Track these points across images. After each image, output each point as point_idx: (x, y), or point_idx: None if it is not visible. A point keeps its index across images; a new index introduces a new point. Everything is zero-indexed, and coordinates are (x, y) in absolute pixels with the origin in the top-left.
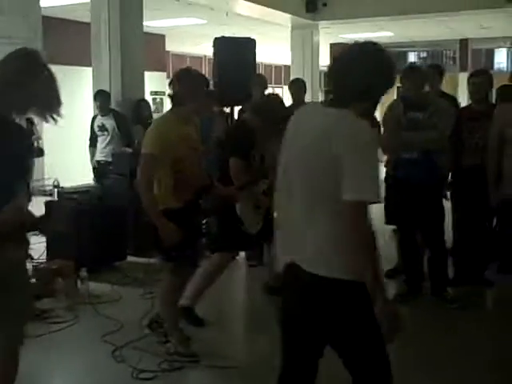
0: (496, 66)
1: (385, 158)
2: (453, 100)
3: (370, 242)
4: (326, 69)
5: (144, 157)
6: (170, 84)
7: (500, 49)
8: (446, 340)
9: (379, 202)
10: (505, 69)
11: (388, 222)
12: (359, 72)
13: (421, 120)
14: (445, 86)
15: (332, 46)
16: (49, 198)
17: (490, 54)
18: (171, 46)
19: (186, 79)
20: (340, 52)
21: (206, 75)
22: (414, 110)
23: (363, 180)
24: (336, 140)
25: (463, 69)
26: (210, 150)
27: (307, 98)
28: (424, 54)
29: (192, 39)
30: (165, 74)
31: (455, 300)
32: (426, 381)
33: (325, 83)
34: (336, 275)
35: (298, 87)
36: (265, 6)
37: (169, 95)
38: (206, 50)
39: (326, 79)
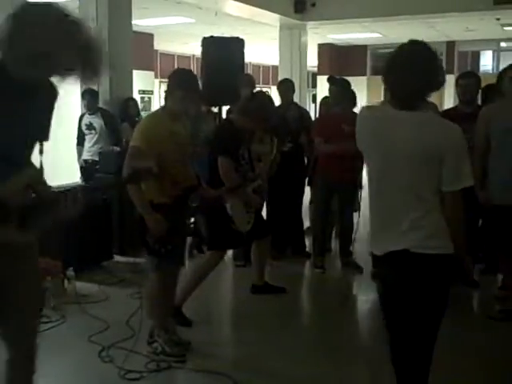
0: (482, 68)
1: None
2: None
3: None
4: (314, 69)
5: (131, 149)
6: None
7: (485, 51)
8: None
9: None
10: (490, 71)
11: None
12: (423, 71)
13: None
14: None
15: (320, 46)
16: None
17: (476, 57)
18: (159, 45)
19: (173, 77)
20: (395, 52)
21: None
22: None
23: (463, 172)
24: (440, 145)
25: (449, 71)
26: (199, 150)
27: (295, 98)
28: None
29: (180, 38)
30: (153, 73)
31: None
32: None
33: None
34: (448, 251)
35: (286, 87)
36: (253, 5)
37: (164, 91)
38: (195, 49)
39: (384, 79)
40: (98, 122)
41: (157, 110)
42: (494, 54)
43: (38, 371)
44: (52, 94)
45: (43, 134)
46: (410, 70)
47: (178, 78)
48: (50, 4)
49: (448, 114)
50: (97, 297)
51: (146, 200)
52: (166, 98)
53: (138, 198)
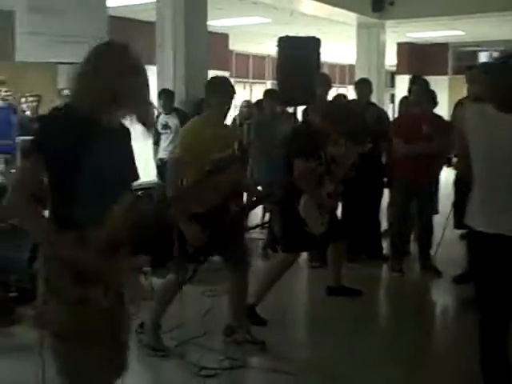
0: None
1: (455, 160)
2: None
3: None
4: (392, 68)
5: (171, 160)
6: (205, 88)
7: None
8: None
9: None
10: None
11: (457, 226)
12: None
13: None
14: None
15: (399, 44)
16: None
17: None
18: (234, 45)
19: (211, 85)
20: (500, 57)
21: (270, 75)
22: None
23: None
24: None
25: None
26: (274, 151)
27: (373, 98)
28: (496, 54)
29: (255, 38)
30: (228, 73)
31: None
32: None
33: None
34: None
35: (363, 87)
36: (330, 4)
37: (202, 100)
38: (270, 49)
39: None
40: (173, 121)
41: (196, 119)
42: None
43: None
44: (126, 133)
45: (132, 174)
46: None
47: (218, 86)
48: (120, 46)
49: None
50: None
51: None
52: (206, 105)
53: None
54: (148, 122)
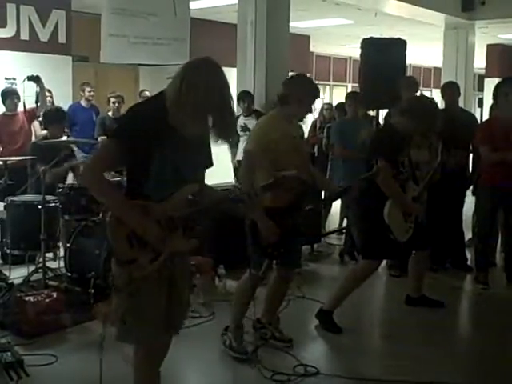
0: None
1: None
2: None
3: None
4: (480, 71)
5: (244, 154)
6: (282, 84)
7: None
8: None
9: None
10: None
11: None
12: None
13: None
14: None
15: (489, 46)
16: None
17: None
18: (315, 47)
19: (296, 82)
20: None
21: (351, 77)
22: None
23: None
24: None
25: None
26: (355, 156)
27: (460, 102)
28: None
29: (337, 40)
30: (308, 75)
31: None
32: None
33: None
34: None
35: (451, 91)
36: (416, 5)
37: (277, 95)
38: (351, 51)
39: None
40: (252, 123)
41: (272, 113)
42: None
43: (185, 365)
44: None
45: (210, 162)
46: None
47: (308, 85)
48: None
49: None
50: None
51: (261, 206)
52: (282, 101)
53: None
54: (229, 137)
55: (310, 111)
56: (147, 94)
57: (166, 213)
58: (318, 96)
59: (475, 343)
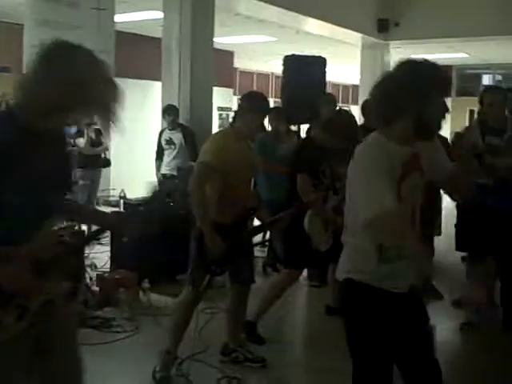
0: None
1: None
2: None
3: None
4: None
5: (199, 165)
6: (238, 99)
7: None
8: None
9: None
10: None
11: (458, 248)
12: None
13: (500, 145)
14: None
15: None
16: (115, 209)
17: None
18: (239, 63)
19: (250, 99)
20: None
21: (274, 92)
22: (493, 135)
23: None
24: None
25: None
26: (277, 170)
27: None
28: (499, 77)
29: (260, 56)
30: (232, 90)
31: None
32: None
33: None
34: None
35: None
36: (335, 24)
37: (234, 112)
38: (274, 67)
39: None
40: (177, 137)
41: (226, 130)
42: None
43: (108, 381)
44: (63, 143)
45: (66, 184)
46: None
47: (254, 101)
48: (76, 51)
49: None
50: (171, 309)
51: (210, 219)
52: (235, 118)
53: (202, 216)
54: (106, 130)
55: (262, 127)
56: None
57: (32, 255)
58: (266, 112)
59: None
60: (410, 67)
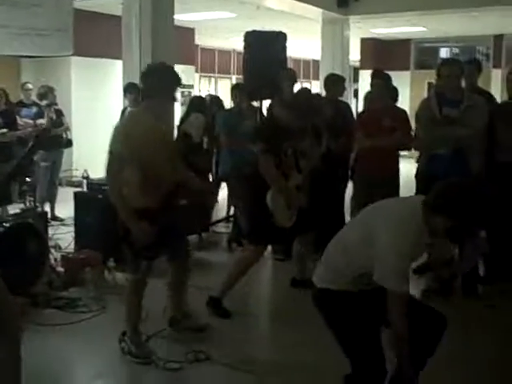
0: None
1: (417, 153)
2: (490, 97)
3: None
4: (356, 64)
5: (110, 155)
6: (141, 76)
7: None
8: (475, 338)
9: None
10: None
11: None
12: None
13: (456, 116)
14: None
15: (363, 40)
16: (77, 189)
17: None
18: (200, 40)
19: (160, 73)
20: None
21: (235, 69)
22: (449, 106)
23: None
24: None
25: (496, 65)
26: (240, 145)
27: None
28: (456, 50)
29: (221, 33)
30: (193, 67)
31: (487, 297)
32: (450, 378)
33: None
34: None
35: (334, 82)
36: (296, 0)
37: (140, 88)
38: (235, 43)
39: None
40: None
41: (139, 110)
42: None
43: (76, 360)
44: None
45: None
46: None
47: (169, 74)
48: None
49: (499, 108)
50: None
51: (131, 207)
52: (145, 95)
53: (121, 206)
54: None
55: (176, 101)
56: (29, 86)
57: None
58: (180, 84)
59: None
60: None
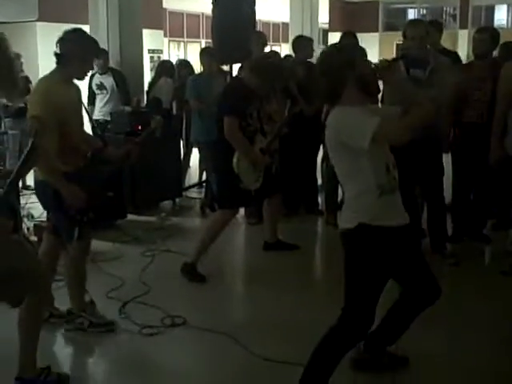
0: (496, 22)
1: None
2: (455, 56)
3: None
4: (325, 26)
5: (32, 120)
6: (57, 43)
7: (500, 5)
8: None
9: None
10: (505, 26)
11: None
12: None
13: (422, 77)
14: (444, 43)
15: (331, 2)
16: None
17: (491, 11)
18: (168, 4)
19: (75, 39)
20: None
21: (205, 33)
22: (416, 68)
23: None
24: None
25: (463, 26)
26: (210, 110)
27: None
28: (424, 11)
29: None
30: (162, 31)
31: (453, 256)
32: (416, 337)
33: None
34: None
35: (302, 44)
36: None
37: (55, 54)
38: (204, 6)
39: None
40: (109, 81)
41: (49, 74)
42: (509, 8)
43: (58, 328)
44: None
45: None
46: None
47: (88, 41)
48: None
49: (464, 68)
50: (111, 255)
51: (59, 171)
52: (61, 61)
53: (49, 170)
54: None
55: (92, 69)
56: None
57: None
58: (98, 52)
59: (329, 282)
60: None
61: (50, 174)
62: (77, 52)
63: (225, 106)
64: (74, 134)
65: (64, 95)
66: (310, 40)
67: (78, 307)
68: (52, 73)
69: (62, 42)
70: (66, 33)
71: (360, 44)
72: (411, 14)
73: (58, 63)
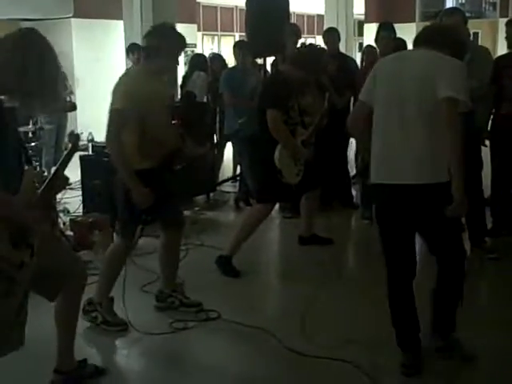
0: None
1: None
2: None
3: None
4: (360, 17)
5: (111, 113)
6: (144, 37)
7: None
8: (482, 290)
9: None
10: None
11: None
12: None
13: None
14: (484, 32)
15: None
16: (83, 153)
17: None
18: None
19: (166, 34)
20: None
21: (238, 26)
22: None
23: None
24: None
25: (503, 15)
26: (244, 104)
27: (341, 47)
28: (462, 0)
29: None
30: (195, 25)
31: (493, 250)
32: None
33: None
34: None
35: (332, 37)
36: None
37: (142, 48)
38: (237, 0)
39: None
40: None
41: (136, 68)
42: None
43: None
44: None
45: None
46: None
47: (177, 36)
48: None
49: (501, 59)
50: (145, 249)
51: (132, 169)
52: (150, 54)
53: (124, 168)
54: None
55: (178, 64)
56: None
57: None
58: (184, 47)
59: (364, 277)
60: None
61: (123, 169)
62: (164, 46)
63: (267, 99)
64: (157, 128)
65: (149, 87)
66: (333, 30)
67: (99, 299)
68: (139, 66)
69: (149, 35)
70: (154, 27)
71: (396, 35)
72: (449, 3)
73: (145, 57)
